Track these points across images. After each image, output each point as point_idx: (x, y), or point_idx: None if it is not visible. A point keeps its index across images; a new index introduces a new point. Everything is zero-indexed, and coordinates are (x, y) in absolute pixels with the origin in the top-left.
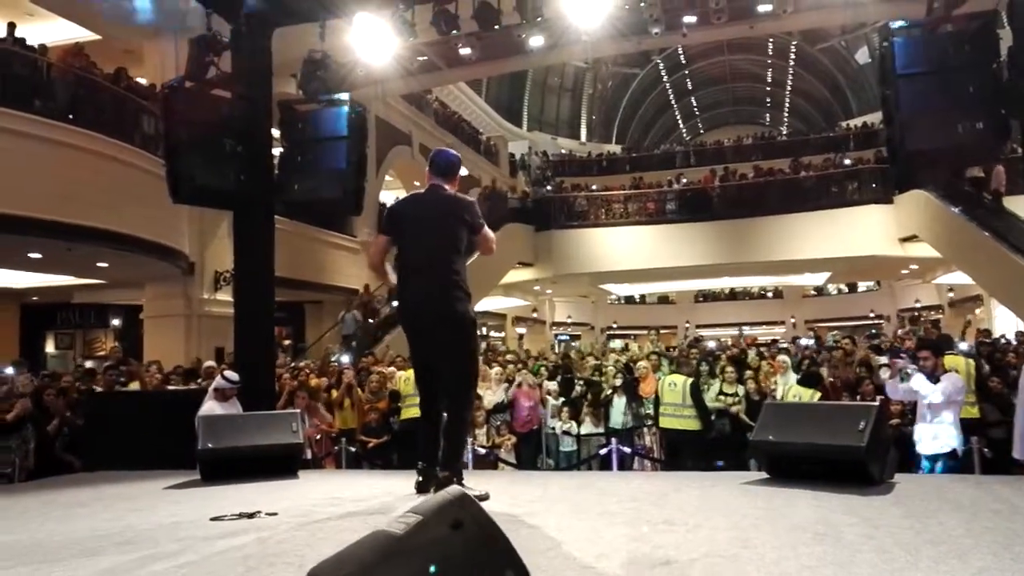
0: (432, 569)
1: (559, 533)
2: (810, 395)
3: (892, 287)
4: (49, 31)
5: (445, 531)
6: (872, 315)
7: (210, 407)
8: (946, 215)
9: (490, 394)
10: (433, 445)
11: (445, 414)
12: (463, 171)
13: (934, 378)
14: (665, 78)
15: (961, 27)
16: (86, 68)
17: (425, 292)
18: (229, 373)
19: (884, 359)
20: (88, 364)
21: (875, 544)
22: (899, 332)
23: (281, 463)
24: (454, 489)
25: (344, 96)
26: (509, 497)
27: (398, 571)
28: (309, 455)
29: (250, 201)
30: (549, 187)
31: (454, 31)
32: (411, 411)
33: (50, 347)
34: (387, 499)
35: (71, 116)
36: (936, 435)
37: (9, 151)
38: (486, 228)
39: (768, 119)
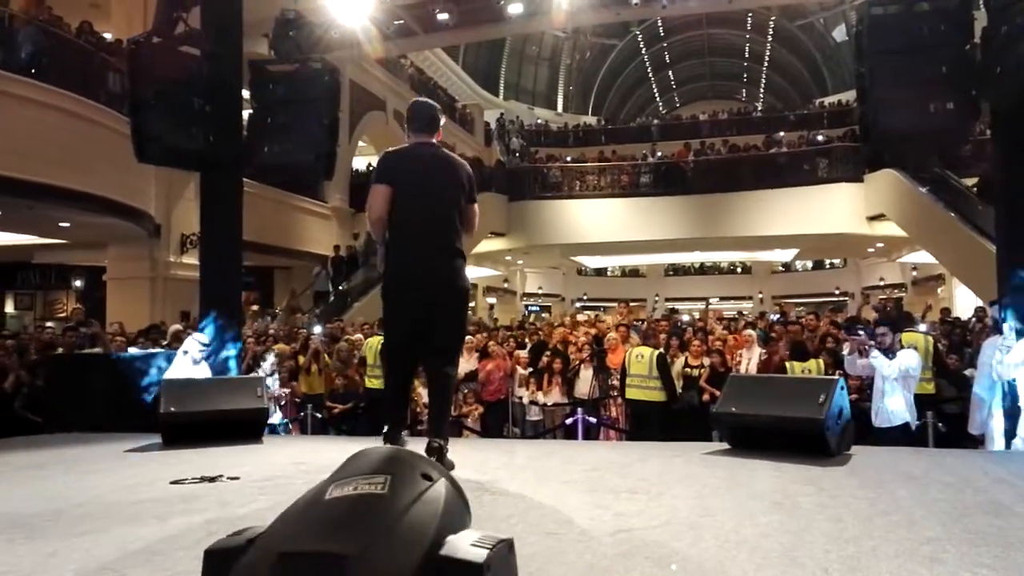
0: None
1: (523, 500)
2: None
3: (858, 265)
4: None
5: (423, 484)
6: (837, 292)
7: (179, 369)
8: (913, 195)
9: (462, 363)
10: (402, 412)
11: (432, 382)
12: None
13: (891, 354)
14: (643, 50)
15: (937, 6)
16: (49, 20)
17: (428, 257)
18: (199, 336)
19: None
20: (48, 325)
21: (830, 513)
22: (861, 309)
23: (245, 428)
24: (394, 447)
25: (317, 58)
26: (475, 464)
27: (410, 527)
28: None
29: (218, 163)
30: (518, 156)
31: None
32: (374, 381)
33: (9, 307)
34: None
35: (33, 70)
36: (891, 409)
37: None
38: (476, 206)
39: (744, 94)
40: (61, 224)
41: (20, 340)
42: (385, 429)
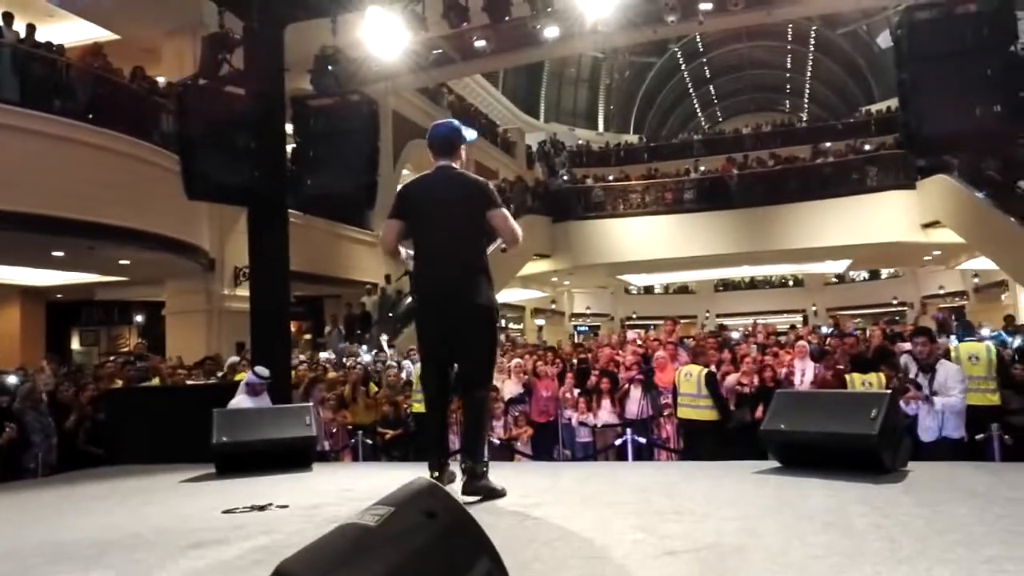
0: None
1: (567, 523)
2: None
3: (915, 274)
4: (68, 31)
5: (418, 520)
6: (895, 302)
7: (239, 401)
8: (969, 200)
9: (509, 385)
10: (442, 441)
11: (464, 404)
12: (471, 135)
13: (928, 365)
14: (683, 66)
15: (979, 8)
16: (105, 67)
17: (448, 276)
18: (259, 369)
19: (907, 345)
20: (111, 360)
21: (884, 533)
22: (918, 319)
23: (294, 456)
24: (424, 480)
25: (356, 91)
26: (520, 487)
27: (372, 563)
28: (326, 447)
29: (264, 197)
30: (565, 177)
31: (464, 24)
32: (418, 406)
33: (75, 344)
34: None
35: (91, 116)
36: (941, 422)
37: (30, 151)
38: (504, 210)
39: (788, 106)
40: (121, 262)
41: (78, 377)
42: (433, 460)
